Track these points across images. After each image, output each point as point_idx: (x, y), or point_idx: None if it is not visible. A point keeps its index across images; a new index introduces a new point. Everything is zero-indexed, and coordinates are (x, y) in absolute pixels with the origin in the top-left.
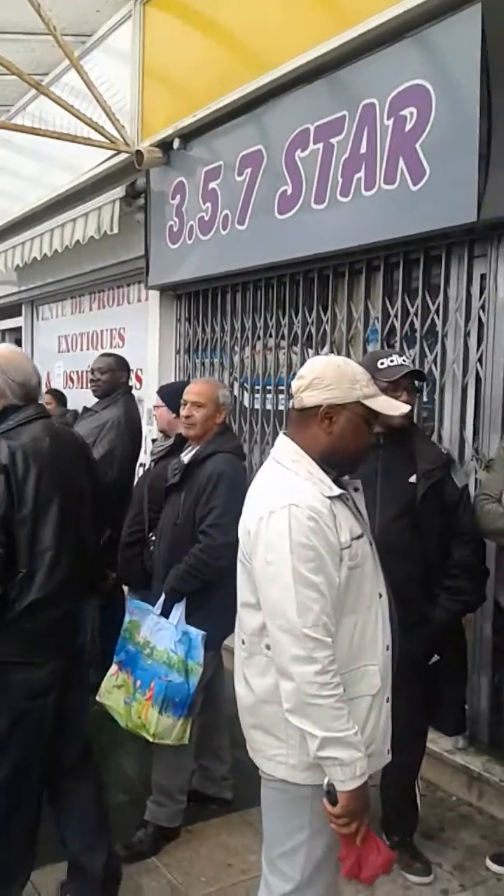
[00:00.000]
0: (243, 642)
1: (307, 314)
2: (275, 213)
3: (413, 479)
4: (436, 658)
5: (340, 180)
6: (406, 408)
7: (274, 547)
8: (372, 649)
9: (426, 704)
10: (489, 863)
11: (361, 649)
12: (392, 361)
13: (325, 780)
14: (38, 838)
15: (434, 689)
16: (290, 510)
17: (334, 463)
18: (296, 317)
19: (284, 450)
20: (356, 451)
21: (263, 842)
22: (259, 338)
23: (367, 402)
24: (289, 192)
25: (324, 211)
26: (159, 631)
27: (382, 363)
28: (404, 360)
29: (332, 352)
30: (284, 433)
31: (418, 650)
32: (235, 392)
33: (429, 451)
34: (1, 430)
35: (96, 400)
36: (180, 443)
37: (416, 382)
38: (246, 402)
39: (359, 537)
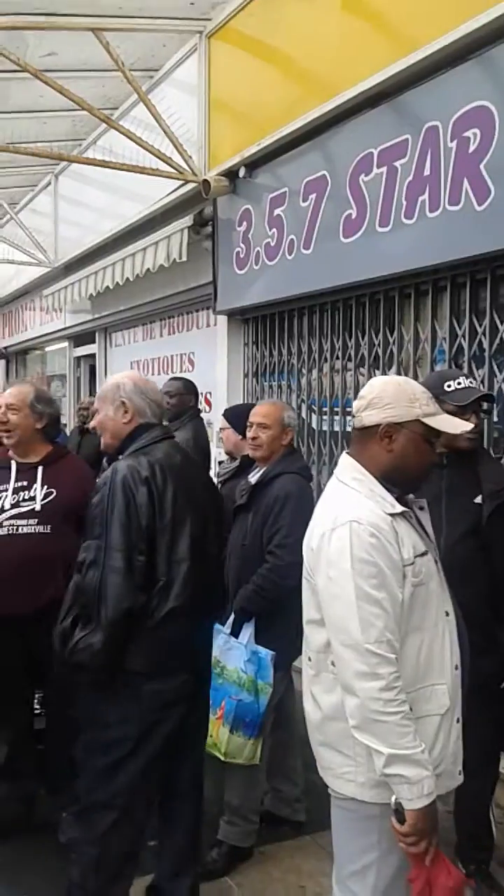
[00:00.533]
0: (310, 659)
1: (374, 336)
2: (340, 236)
3: (479, 499)
4: None
5: (405, 203)
6: (468, 425)
7: (336, 563)
8: (440, 668)
9: (499, 728)
10: None
11: (429, 668)
12: (459, 384)
13: (393, 799)
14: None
15: None
16: (350, 527)
17: (396, 481)
18: (362, 339)
19: (347, 468)
20: (418, 470)
21: (334, 861)
22: (326, 360)
23: (427, 421)
24: (353, 216)
25: (388, 233)
26: (229, 650)
27: (450, 385)
28: (471, 382)
29: (398, 373)
30: (347, 453)
31: (489, 672)
32: (303, 414)
33: (495, 471)
34: (138, 447)
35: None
36: (247, 464)
37: (485, 405)
38: (314, 424)
39: (423, 554)
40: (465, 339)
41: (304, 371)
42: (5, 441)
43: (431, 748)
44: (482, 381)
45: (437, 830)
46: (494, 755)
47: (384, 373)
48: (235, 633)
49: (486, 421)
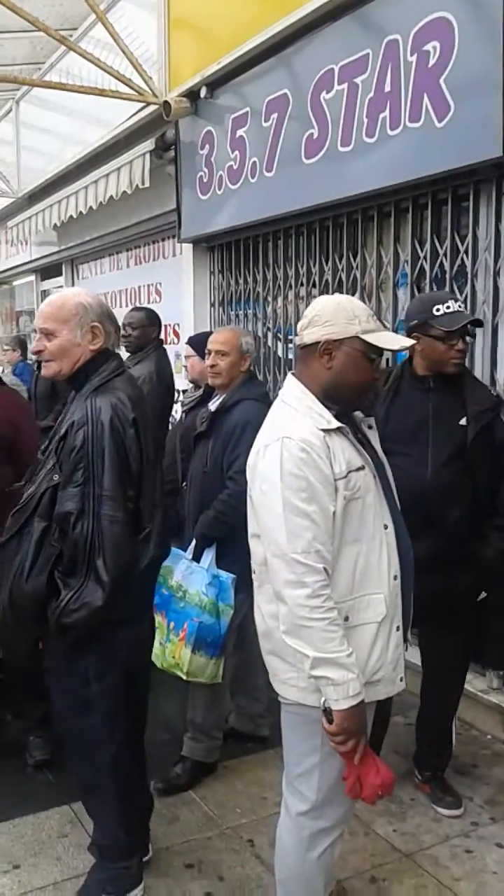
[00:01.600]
0: (254, 572)
1: (337, 261)
2: (302, 158)
3: (464, 421)
4: (483, 595)
5: (366, 121)
6: (407, 342)
7: (267, 478)
8: (377, 578)
9: (468, 643)
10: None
11: (366, 578)
12: (448, 308)
13: (322, 700)
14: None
15: (482, 625)
16: (282, 442)
17: (336, 398)
18: (326, 264)
19: (289, 388)
20: (357, 386)
21: (284, 764)
22: (291, 287)
23: (366, 338)
24: (315, 136)
25: (350, 153)
26: (191, 574)
27: (438, 309)
28: (460, 306)
29: (362, 298)
30: (292, 373)
31: (468, 586)
32: (269, 342)
33: (479, 393)
34: (102, 380)
35: (128, 355)
36: (210, 392)
37: (471, 328)
38: (279, 352)
39: (359, 469)
40: (426, 262)
41: (270, 299)
42: None
43: (369, 654)
44: None
45: (365, 731)
46: (461, 668)
47: None
48: (197, 557)
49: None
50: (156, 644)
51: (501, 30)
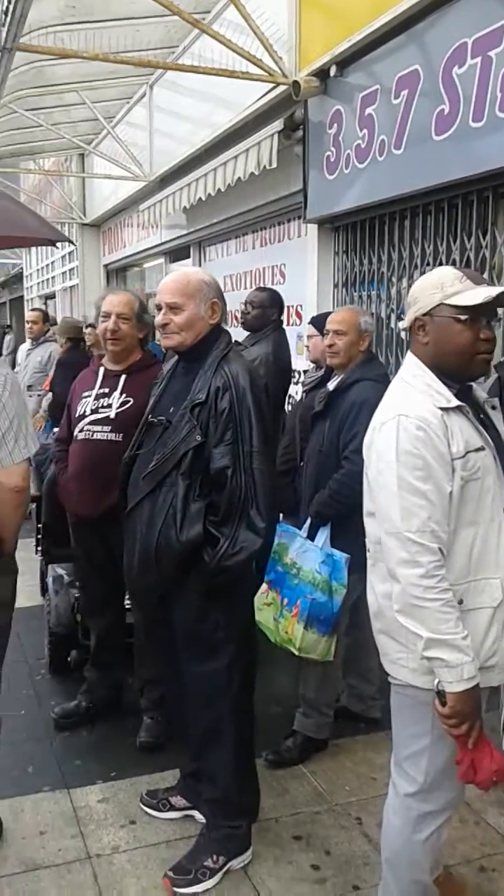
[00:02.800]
0: (368, 550)
1: (465, 240)
2: (432, 134)
3: None
4: None
5: (499, 95)
6: (494, 291)
7: (383, 456)
8: (495, 562)
9: None
10: None
11: (483, 562)
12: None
13: (436, 682)
14: None
15: None
16: (398, 420)
17: (447, 372)
18: (454, 243)
19: (407, 366)
20: (457, 352)
21: (393, 745)
22: (416, 267)
23: (449, 301)
24: (446, 112)
25: (482, 129)
26: (305, 553)
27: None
28: None
29: (491, 278)
30: (411, 351)
31: None
32: (393, 324)
33: None
34: (222, 352)
35: (246, 334)
36: (330, 373)
37: None
38: (403, 334)
39: (478, 450)
40: None
41: (394, 279)
42: (110, 348)
43: (483, 639)
44: None
45: (479, 715)
46: None
47: None
48: (311, 536)
49: None
50: (270, 619)
51: None
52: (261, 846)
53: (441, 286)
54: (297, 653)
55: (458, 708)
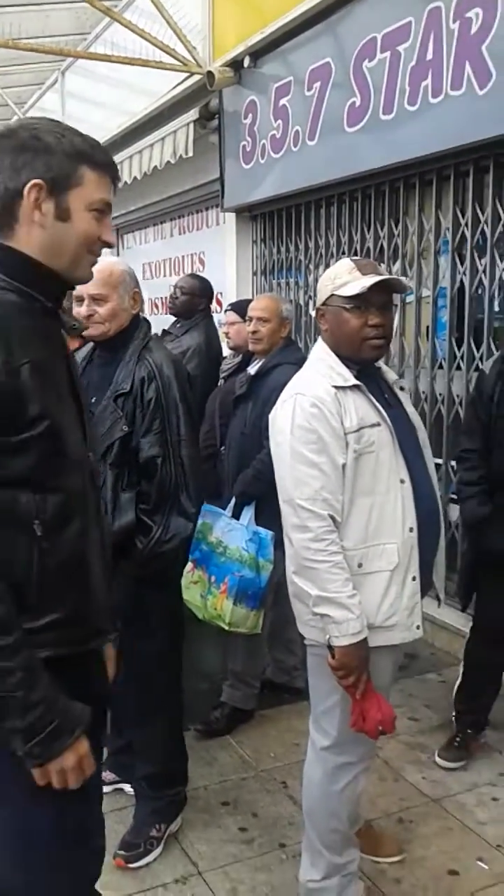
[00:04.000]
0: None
1: (379, 228)
2: (344, 126)
3: None
4: None
5: (408, 89)
6: (375, 278)
7: (280, 430)
8: (391, 529)
9: None
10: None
11: (379, 529)
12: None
13: (326, 637)
14: None
15: None
16: (295, 399)
17: (343, 355)
18: (368, 232)
19: (315, 350)
20: (348, 338)
21: (311, 703)
22: (332, 255)
23: (338, 292)
24: (358, 104)
25: (392, 121)
26: (231, 531)
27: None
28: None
29: (403, 266)
30: (320, 336)
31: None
32: (310, 311)
33: None
34: (142, 342)
35: (173, 320)
36: (248, 359)
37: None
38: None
39: (373, 426)
40: (468, 229)
41: (312, 267)
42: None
43: (382, 600)
44: (484, 271)
45: (366, 668)
46: None
47: (389, 266)
48: (237, 515)
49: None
50: (197, 596)
51: None
52: (191, 813)
53: (333, 278)
54: (227, 627)
55: (344, 661)
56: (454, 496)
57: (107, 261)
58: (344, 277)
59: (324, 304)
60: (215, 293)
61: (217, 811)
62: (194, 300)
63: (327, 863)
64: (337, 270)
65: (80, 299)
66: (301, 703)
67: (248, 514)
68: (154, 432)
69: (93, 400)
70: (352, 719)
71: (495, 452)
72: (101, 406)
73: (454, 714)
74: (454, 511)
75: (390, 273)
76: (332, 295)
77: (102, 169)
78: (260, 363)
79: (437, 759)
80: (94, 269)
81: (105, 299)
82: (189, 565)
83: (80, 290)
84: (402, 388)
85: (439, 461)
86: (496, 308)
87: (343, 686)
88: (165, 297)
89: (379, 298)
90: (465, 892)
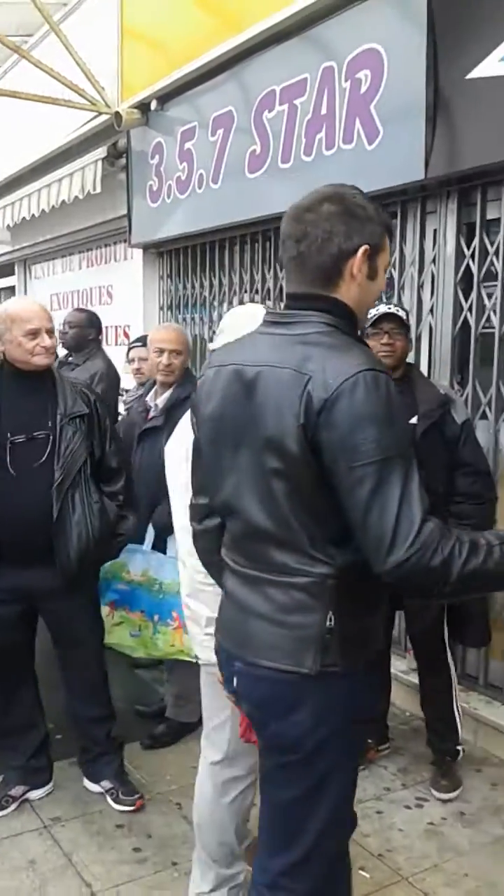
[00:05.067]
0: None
1: (278, 270)
2: (245, 172)
3: (414, 420)
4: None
5: (304, 140)
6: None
7: (178, 460)
8: None
9: (449, 624)
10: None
11: None
12: (377, 309)
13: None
14: None
15: (460, 607)
16: (190, 430)
17: None
18: (268, 273)
19: None
20: None
21: (203, 721)
22: (235, 293)
23: None
24: (257, 152)
25: (289, 170)
26: (162, 566)
27: (370, 313)
28: (389, 308)
29: None
30: None
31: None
32: (215, 346)
33: (427, 391)
34: (59, 370)
35: (65, 352)
36: (147, 390)
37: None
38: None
39: None
40: None
41: (216, 304)
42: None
43: None
44: None
45: None
46: (443, 648)
47: None
48: (161, 549)
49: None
50: (126, 637)
51: (424, 63)
52: (85, 836)
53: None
54: (194, 660)
55: None
56: None
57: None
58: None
59: None
60: (123, 326)
61: (112, 833)
62: (83, 332)
63: (216, 875)
64: (257, 316)
65: (36, 333)
66: (199, 728)
67: (175, 545)
68: (111, 447)
69: (37, 423)
70: (240, 731)
71: None
72: (58, 428)
73: None
74: None
75: None
76: None
77: (391, 237)
78: (169, 394)
79: (433, 792)
80: (39, 304)
81: (52, 331)
82: (106, 608)
83: (38, 323)
84: None
85: None
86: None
87: (231, 701)
88: None
89: None
90: None
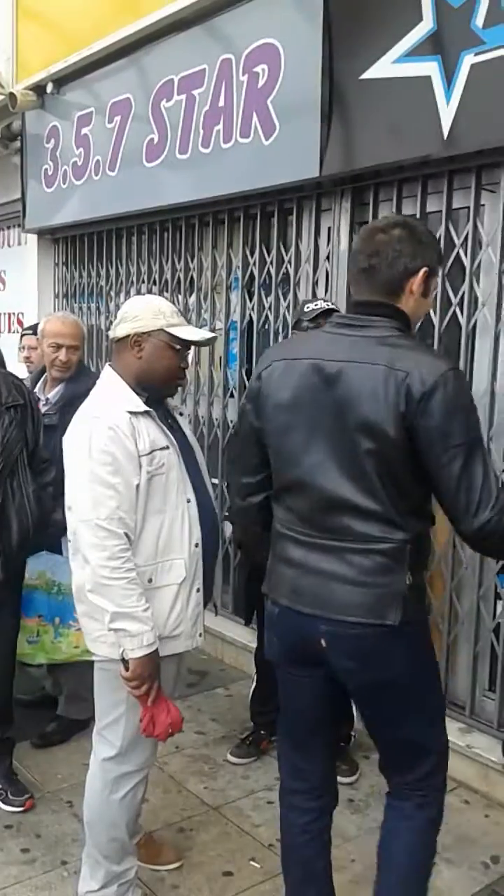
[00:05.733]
0: (69, 541)
1: (176, 261)
2: (143, 160)
3: None
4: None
5: (202, 132)
6: (208, 335)
7: (78, 452)
8: (179, 545)
9: None
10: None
11: (169, 545)
12: (316, 305)
13: (120, 651)
14: None
15: None
16: (91, 422)
17: (146, 385)
18: (166, 264)
19: (105, 376)
20: (164, 373)
21: (95, 718)
22: (133, 283)
23: (171, 330)
24: (155, 141)
25: (187, 161)
26: (60, 567)
27: (308, 307)
28: (327, 304)
29: (198, 298)
30: (109, 364)
31: None
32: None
33: None
34: None
35: None
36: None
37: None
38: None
39: (163, 448)
40: (255, 268)
41: (113, 294)
42: None
43: (170, 612)
44: (269, 308)
45: (157, 676)
46: None
47: (186, 297)
48: (56, 550)
49: None
50: (25, 645)
51: (320, 61)
52: None
53: (162, 314)
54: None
55: (139, 671)
56: (227, 515)
57: None
58: (176, 318)
59: (146, 333)
60: (17, 313)
61: None
62: None
63: (105, 871)
64: (162, 307)
65: None
66: (92, 726)
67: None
68: (42, 438)
69: None
70: (142, 726)
71: None
72: None
73: (250, 715)
74: (227, 528)
75: (185, 307)
76: (161, 330)
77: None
78: (61, 389)
79: (229, 757)
80: None
81: None
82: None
83: None
84: (181, 414)
85: (215, 481)
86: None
87: (135, 696)
88: None
89: (187, 347)
90: (238, 890)
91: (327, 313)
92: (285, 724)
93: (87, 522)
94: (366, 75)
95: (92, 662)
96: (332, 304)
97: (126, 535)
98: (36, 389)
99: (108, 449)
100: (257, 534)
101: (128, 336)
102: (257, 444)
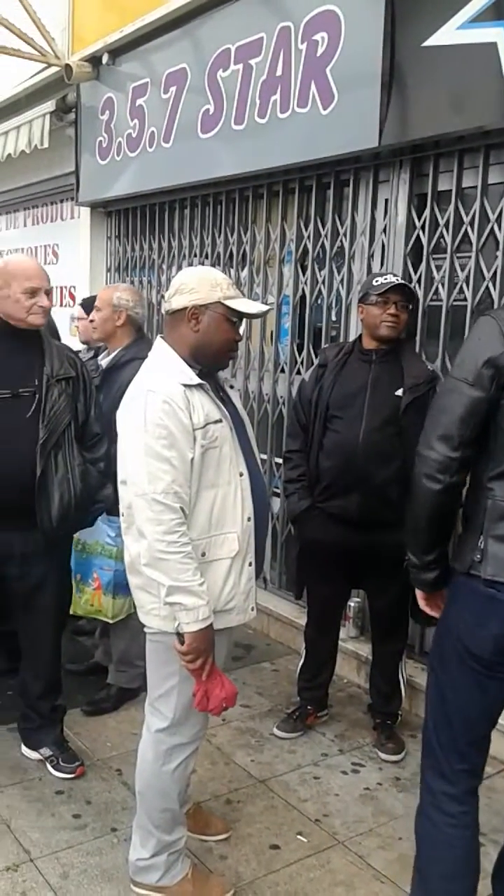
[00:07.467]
0: (123, 515)
1: (229, 234)
2: (198, 132)
3: (399, 392)
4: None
5: (258, 102)
6: (263, 307)
7: (133, 427)
8: (232, 519)
9: (405, 599)
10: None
11: (222, 519)
12: (386, 279)
13: (176, 624)
14: None
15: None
16: (146, 396)
17: (201, 358)
18: (219, 237)
19: (157, 349)
20: (221, 346)
21: (147, 689)
22: (185, 257)
23: (228, 303)
24: (211, 112)
25: (243, 131)
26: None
27: (377, 281)
28: (397, 279)
29: (251, 272)
30: (161, 336)
31: (398, 544)
32: (164, 310)
33: (416, 366)
34: None
35: None
36: (97, 353)
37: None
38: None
39: (217, 422)
40: (309, 241)
41: (165, 267)
42: None
43: (223, 586)
44: (323, 282)
45: (212, 651)
46: (405, 620)
47: (238, 271)
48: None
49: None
50: None
51: (382, 29)
52: (24, 802)
53: (219, 286)
54: (110, 621)
55: (194, 645)
56: (277, 490)
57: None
58: (232, 290)
59: (203, 306)
60: (69, 287)
61: (51, 800)
62: None
63: (157, 841)
64: (218, 279)
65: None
66: (140, 696)
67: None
68: (95, 412)
69: (20, 381)
70: (196, 700)
71: (313, 452)
72: (45, 387)
73: (298, 690)
74: (276, 503)
75: (237, 281)
76: (219, 302)
77: None
78: (111, 356)
79: (275, 731)
80: (33, 262)
81: (50, 292)
82: None
83: (37, 282)
84: (231, 387)
85: (264, 456)
86: (333, 317)
87: (190, 670)
88: None
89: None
90: (285, 863)
91: (397, 288)
92: (449, 734)
93: (143, 496)
94: (428, 42)
95: (132, 624)
96: (402, 279)
97: (181, 509)
98: (99, 358)
99: (163, 423)
100: (454, 511)
101: (184, 308)
102: (483, 416)
